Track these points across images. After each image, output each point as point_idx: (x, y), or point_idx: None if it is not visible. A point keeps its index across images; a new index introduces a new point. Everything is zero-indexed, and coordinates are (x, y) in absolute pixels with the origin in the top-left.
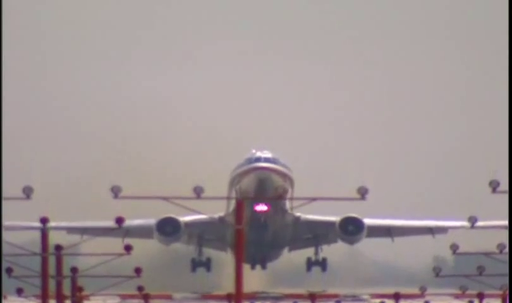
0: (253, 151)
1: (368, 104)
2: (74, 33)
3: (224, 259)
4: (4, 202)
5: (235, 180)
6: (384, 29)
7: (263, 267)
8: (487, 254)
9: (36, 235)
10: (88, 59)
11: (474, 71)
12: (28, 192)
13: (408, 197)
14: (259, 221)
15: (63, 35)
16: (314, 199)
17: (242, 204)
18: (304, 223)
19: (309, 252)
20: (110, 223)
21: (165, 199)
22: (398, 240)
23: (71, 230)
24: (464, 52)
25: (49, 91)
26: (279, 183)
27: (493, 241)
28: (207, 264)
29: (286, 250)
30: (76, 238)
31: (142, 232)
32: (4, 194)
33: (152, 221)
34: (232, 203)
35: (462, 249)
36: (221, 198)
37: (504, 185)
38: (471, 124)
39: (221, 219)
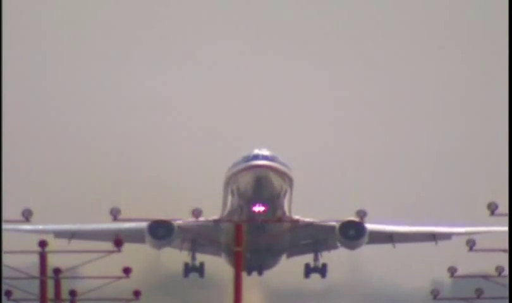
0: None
1: (368, 104)
2: (74, 33)
3: (219, 267)
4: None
5: (231, 179)
6: (383, 29)
7: (260, 273)
8: (485, 277)
9: (35, 257)
10: (88, 58)
11: (474, 71)
12: (27, 215)
13: (409, 201)
14: (256, 224)
15: (63, 35)
16: (312, 223)
17: (241, 227)
18: (303, 226)
19: (307, 258)
20: (99, 226)
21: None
22: (397, 260)
23: (58, 234)
24: (464, 51)
25: (48, 92)
26: (278, 182)
27: (493, 260)
28: (200, 270)
29: (283, 258)
30: (73, 260)
31: (134, 236)
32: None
33: (144, 224)
34: (228, 205)
35: (462, 267)
36: (220, 221)
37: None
38: (472, 125)
39: (216, 222)
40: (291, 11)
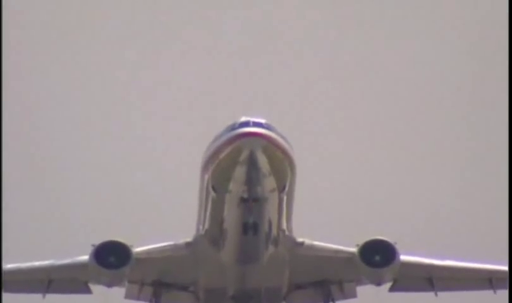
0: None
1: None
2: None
3: None
4: None
5: (209, 162)
6: (383, 29)
7: None
8: None
9: None
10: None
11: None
12: None
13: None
14: (245, 254)
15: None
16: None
17: None
18: (309, 252)
19: None
20: (25, 265)
21: None
22: None
23: None
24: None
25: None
26: (277, 164)
27: None
28: None
29: None
30: None
31: (72, 279)
32: None
33: (85, 258)
34: (207, 213)
35: None
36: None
37: None
38: None
39: (189, 246)
40: (290, 10)
